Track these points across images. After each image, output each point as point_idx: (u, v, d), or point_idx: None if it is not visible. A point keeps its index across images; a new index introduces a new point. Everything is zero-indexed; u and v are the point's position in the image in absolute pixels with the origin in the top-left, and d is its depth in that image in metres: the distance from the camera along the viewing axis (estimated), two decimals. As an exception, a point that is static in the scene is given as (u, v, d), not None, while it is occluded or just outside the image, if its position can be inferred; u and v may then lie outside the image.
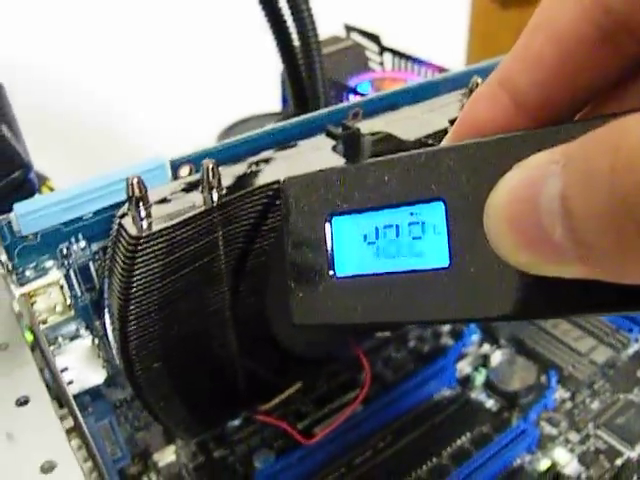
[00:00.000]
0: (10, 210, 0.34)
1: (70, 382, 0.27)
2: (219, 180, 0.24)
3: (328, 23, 0.43)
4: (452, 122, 0.30)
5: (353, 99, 0.43)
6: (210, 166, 0.23)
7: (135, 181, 0.22)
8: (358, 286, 0.17)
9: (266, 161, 0.27)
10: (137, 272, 0.23)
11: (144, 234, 0.22)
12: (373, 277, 0.16)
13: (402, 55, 0.46)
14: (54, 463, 0.20)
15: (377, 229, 0.16)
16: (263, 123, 0.30)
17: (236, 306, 0.27)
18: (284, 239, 0.18)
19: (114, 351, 0.27)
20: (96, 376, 0.29)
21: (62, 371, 0.27)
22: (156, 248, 0.23)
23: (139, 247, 0.22)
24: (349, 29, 0.49)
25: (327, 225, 0.17)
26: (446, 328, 0.40)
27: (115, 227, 0.24)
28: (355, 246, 0.17)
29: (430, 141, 0.29)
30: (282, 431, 0.34)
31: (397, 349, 0.40)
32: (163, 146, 0.26)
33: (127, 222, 0.23)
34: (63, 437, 0.21)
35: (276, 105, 0.53)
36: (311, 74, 0.41)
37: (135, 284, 0.23)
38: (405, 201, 0.16)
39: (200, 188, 0.24)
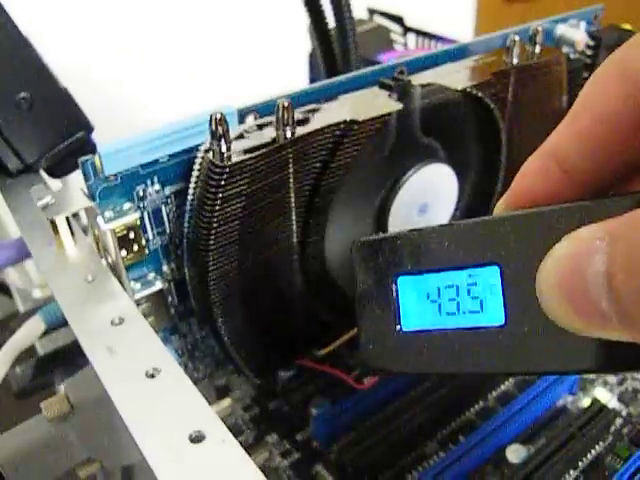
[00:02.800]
0: (72, 170, 0.35)
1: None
2: (292, 118, 0.25)
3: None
4: (494, 74, 0.32)
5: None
6: (285, 104, 0.25)
7: (218, 117, 0.24)
8: (422, 340, 0.18)
9: (329, 106, 0.29)
10: (220, 202, 0.25)
11: (229, 164, 0.24)
12: (436, 332, 0.18)
13: (425, 34, 0.48)
14: (158, 369, 0.21)
15: (439, 289, 0.17)
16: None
17: (302, 243, 0.28)
18: (355, 295, 0.19)
19: (189, 287, 0.28)
20: (163, 319, 0.30)
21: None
22: (239, 178, 0.24)
23: (224, 176, 0.24)
24: (372, 12, 0.52)
25: (393, 284, 0.19)
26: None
27: (199, 161, 0.25)
28: (419, 304, 0.18)
29: (474, 91, 0.31)
30: (333, 381, 0.35)
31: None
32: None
33: (211, 155, 0.24)
34: (162, 347, 0.22)
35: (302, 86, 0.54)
36: (345, 51, 0.42)
37: (218, 214, 0.25)
38: (464, 265, 0.17)
39: (274, 125, 0.25)
